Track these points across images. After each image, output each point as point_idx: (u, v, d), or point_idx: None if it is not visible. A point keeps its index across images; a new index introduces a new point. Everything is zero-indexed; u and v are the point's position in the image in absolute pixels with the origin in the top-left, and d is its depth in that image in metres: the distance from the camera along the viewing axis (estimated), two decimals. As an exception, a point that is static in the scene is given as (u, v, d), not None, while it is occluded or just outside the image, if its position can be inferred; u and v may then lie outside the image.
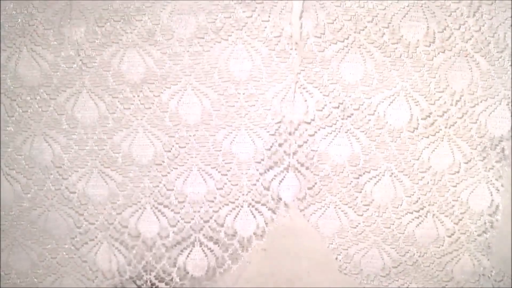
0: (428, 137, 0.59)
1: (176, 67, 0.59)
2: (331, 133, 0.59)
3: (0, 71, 0.59)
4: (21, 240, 0.62)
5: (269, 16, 0.58)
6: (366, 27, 0.57)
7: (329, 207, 0.61)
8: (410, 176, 0.60)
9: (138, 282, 0.61)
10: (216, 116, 0.60)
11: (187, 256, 0.62)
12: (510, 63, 0.58)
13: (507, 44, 0.57)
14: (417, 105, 0.59)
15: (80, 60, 0.59)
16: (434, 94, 0.58)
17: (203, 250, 0.62)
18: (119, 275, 0.62)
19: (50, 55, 0.59)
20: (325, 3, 0.57)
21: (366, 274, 0.62)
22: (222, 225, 0.61)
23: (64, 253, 0.62)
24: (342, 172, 0.60)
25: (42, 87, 0.60)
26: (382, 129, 0.59)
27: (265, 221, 0.62)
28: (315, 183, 0.60)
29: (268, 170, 0.61)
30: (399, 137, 0.59)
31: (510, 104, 0.58)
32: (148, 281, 0.61)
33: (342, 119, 0.59)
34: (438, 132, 0.59)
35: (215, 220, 0.61)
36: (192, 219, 0.61)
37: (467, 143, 0.59)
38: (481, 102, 0.59)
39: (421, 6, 0.57)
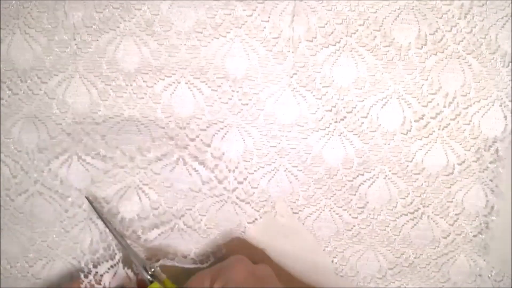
0: (421, 139, 0.59)
1: (172, 59, 0.59)
2: (324, 136, 0.60)
3: None
4: (10, 225, 0.62)
5: (269, 17, 0.58)
6: (357, 30, 0.58)
7: (324, 210, 0.61)
8: (404, 178, 0.60)
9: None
10: (209, 111, 0.60)
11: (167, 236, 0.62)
12: (502, 65, 0.58)
13: (499, 45, 0.58)
14: (410, 107, 0.59)
15: (75, 44, 0.59)
16: (427, 96, 0.59)
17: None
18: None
19: (43, 38, 0.59)
20: (316, 7, 0.58)
21: (362, 276, 0.62)
22: (204, 216, 0.62)
23: (55, 236, 0.62)
24: (336, 175, 0.60)
25: (34, 70, 0.59)
26: (375, 131, 0.59)
27: (247, 220, 0.62)
28: (309, 186, 0.61)
29: (258, 169, 0.61)
30: (392, 139, 0.59)
31: (503, 105, 0.59)
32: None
33: (335, 122, 0.59)
34: (432, 134, 0.59)
35: (197, 210, 0.61)
36: (175, 204, 0.61)
37: (461, 144, 0.59)
38: (474, 103, 0.59)
39: (412, 8, 0.57)
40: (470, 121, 0.59)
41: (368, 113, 0.59)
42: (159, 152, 0.60)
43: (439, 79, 0.58)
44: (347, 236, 0.62)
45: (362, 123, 0.59)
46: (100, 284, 0.56)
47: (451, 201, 0.61)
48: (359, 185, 0.60)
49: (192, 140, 0.60)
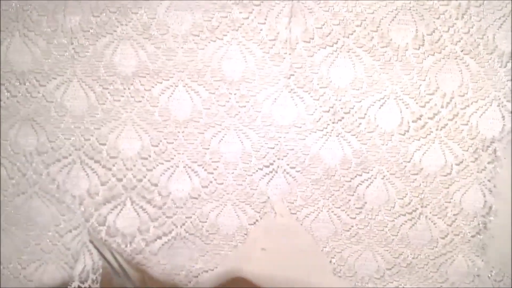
0: (419, 140, 0.59)
1: (169, 62, 0.59)
2: (322, 137, 0.60)
3: None
4: (5, 226, 0.62)
5: (266, 19, 0.58)
6: (354, 31, 0.58)
7: (322, 210, 0.61)
8: (402, 178, 0.60)
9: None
10: (206, 114, 0.60)
11: (170, 247, 0.62)
12: (500, 65, 0.58)
13: (496, 45, 0.57)
14: (407, 108, 0.59)
15: (73, 48, 0.59)
16: (425, 96, 0.59)
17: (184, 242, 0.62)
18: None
19: (42, 41, 0.59)
20: (313, 8, 0.58)
21: (360, 276, 0.62)
22: (205, 221, 0.62)
23: (48, 240, 0.62)
24: (334, 175, 0.60)
25: (32, 73, 0.60)
26: (373, 132, 0.59)
27: (248, 222, 0.62)
28: (307, 187, 0.61)
29: (257, 171, 0.61)
30: (390, 140, 0.59)
31: (501, 106, 0.58)
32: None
33: (333, 122, 0.60)
34: (429, 134, 0.59)
35: (197, 217, 0.62)
36: (175, 214, 0.62)
37: (459, 144, 0.59)
38: (471, 103, 0.59)
39: (410, 9, 0.57)
40: (468, 121, 0.59)
41: (365, 114, 0.59)
42: (159, 157, 0.61)
43: (437, 80, 0.58)
44: (345, 237, 0.62)
45: (360, 123, 0.59)
46: None
47: (449, 202, 0.61)
48: (357, 186, 0.60)
49: (191, 143, 0.61)
